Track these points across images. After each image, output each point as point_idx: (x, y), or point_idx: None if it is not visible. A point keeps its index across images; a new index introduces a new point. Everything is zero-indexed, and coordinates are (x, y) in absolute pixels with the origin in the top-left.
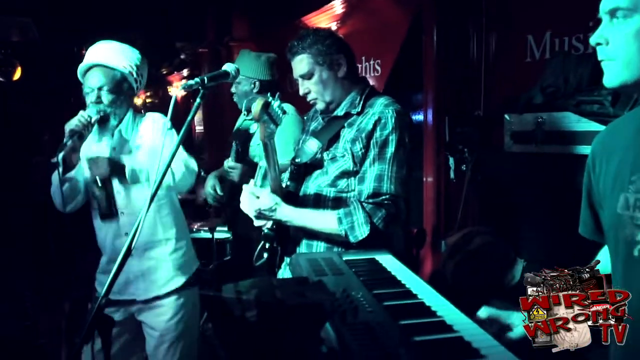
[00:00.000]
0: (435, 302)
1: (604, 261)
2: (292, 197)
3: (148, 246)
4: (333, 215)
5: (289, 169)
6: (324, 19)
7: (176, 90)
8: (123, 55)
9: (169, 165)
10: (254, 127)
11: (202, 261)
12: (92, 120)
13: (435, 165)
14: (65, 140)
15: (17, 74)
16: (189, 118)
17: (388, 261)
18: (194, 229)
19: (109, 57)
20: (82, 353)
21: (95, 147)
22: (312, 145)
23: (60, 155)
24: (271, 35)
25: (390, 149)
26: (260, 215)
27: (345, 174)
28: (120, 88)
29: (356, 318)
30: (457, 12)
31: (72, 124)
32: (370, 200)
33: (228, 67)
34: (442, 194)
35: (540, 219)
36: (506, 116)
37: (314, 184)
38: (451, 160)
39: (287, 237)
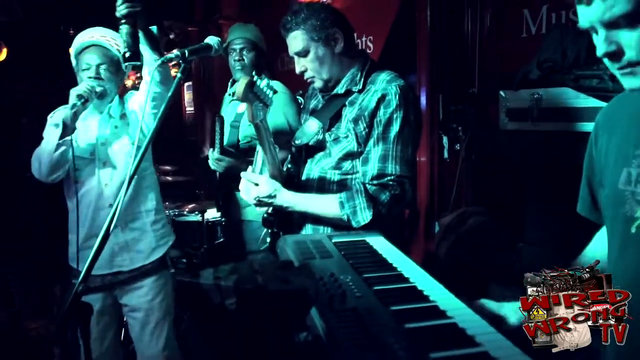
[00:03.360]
0: (428, 286)
1: (598, 245)
2: (293, 180)
3: (131, 218)
4: (335, 199)
5: (291, 149)
6: None
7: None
8: (118, 41)
9: (150, 141)
10: (242, 108)
11: (193, 244)
12: (97, 90)
13: (428, 145)
14: (71, 102)
15: (3, 56)
16: (169, 94)
17: (379, 243)
18: (185, 212)
19: (108, 39)
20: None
21: (81, 124)
22: (313, 126)
23: (62, 117)
24: (262, 13)
25: (395, 127)
26: (260, 203)
27: (349, 156)
28: (116, 68)
29: (344, 304)
30: None
31: (80, 89)
32: (375, 182)
33: (211, 40)
34: (436, 174)
35: (536, 198)
36: (501, 93)
37: (317, 166)
38: (445, 140)
39: (290, 221)
